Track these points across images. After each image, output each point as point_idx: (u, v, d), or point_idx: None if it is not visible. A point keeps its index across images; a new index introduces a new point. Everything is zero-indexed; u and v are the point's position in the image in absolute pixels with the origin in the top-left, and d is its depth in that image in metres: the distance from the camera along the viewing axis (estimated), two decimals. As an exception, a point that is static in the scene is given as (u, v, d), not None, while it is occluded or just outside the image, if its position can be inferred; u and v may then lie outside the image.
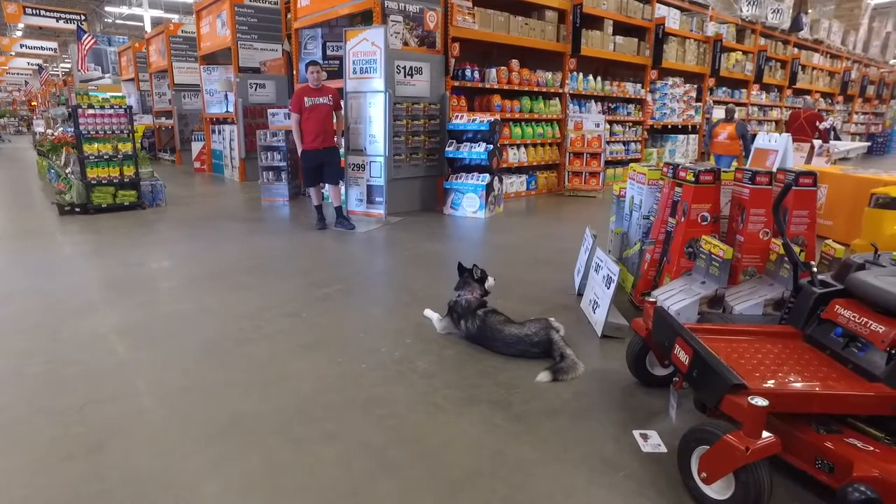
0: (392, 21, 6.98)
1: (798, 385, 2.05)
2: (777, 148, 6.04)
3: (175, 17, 21.64)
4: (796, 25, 11.28)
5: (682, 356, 2.21)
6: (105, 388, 2.77)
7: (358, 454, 2.24)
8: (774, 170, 5.86)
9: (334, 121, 6.24)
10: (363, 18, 7.61)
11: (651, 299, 2.66)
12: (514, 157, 8.81)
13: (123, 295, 4.16)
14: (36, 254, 5.33)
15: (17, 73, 35.37)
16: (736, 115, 8.77)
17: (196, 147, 12.53)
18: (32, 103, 32.20)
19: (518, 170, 9.12)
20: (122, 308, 3.88)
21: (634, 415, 2.53)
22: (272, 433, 2.38)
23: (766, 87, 14.99)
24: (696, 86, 12.12)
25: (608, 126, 10.28)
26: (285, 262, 5.15)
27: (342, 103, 6.52)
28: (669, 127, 11.85)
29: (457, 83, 7.79)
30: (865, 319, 2.18)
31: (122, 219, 7.03)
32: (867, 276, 2.30)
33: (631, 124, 10.87)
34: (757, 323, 3.14)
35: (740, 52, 13.35)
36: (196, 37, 12.03)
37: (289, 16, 9.29)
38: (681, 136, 11.79)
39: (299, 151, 6.24)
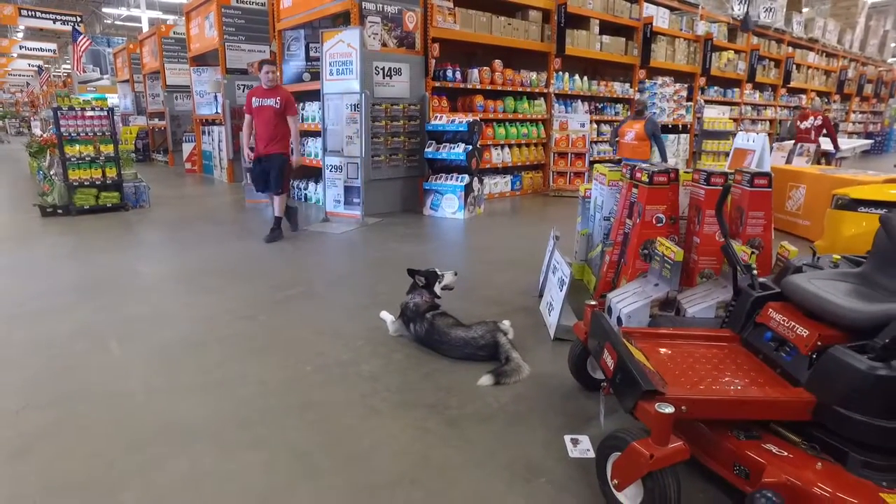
0: (370, 22, 6.97)
1: (716, 391, 2.03)
2: (755, 148, 5.99)
3: (171, 18, 21.69)
4: (745, 25, 11.19)
5: (609, 361, 2.19)
6: (45, 392, 2.77)
7: (284, 459, 2.23)
8: (752, 169, 5.83)
9: (291, 126, 5.84)
10: (345, 20, 7.61)
11: (591, 302, 2.64)
12: (497, 157, 8.79)
13: (87, 298, 4.16)
14: (8, 257, 5.35)
15: (20, 75, 35.55)
16: (648, 111, 7.58)
17: (187, 148, 12.56)
18: (34, 105, 32.39)
19: (503, 170, 9.11)
20: (83, 311, 3.88)
21: (570, 419, 2.51)
22: (203, 438, 2.38)
23: (759, 87, 14.90)
24: (686, 85, 12.05)
25: (595, 126, 10.26)
26: (255, 264, 5.14)
27: (300, 106, 6.39)
28: (660, 126, 11.78)
29: (438, 84, 7.78)
30: (793, 323, 2.16)
31: (103, 220, 7.05)
32: (800, 279, 2.28)
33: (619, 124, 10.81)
34: (709, 326, 3.12)
35: (732, 51, 13.27)
36: (186, 38, 12.07)
37: (274, 17, 9.29)
38: (671, 136, 11.71)
39: (243, 153, 6.10)
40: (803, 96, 16.75)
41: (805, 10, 17.31)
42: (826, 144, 9.59)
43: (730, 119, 12.37)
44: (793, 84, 15.76)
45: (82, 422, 2.51)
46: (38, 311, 3.89)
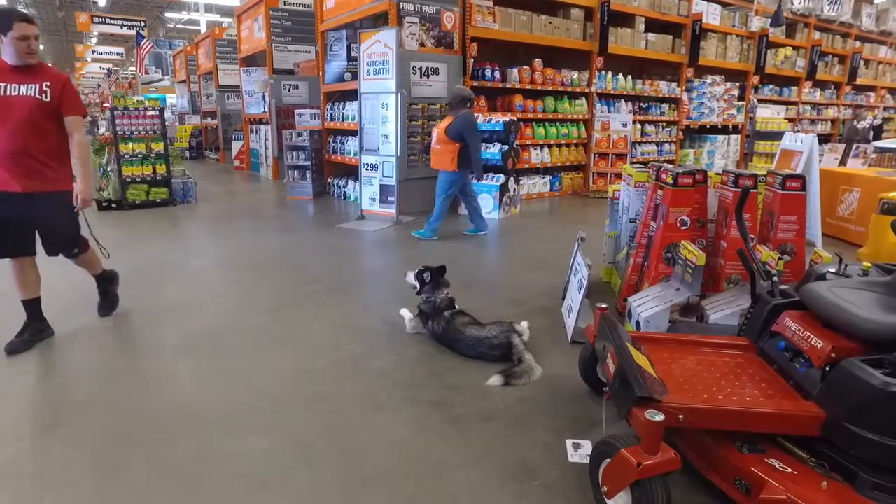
0: (408, 22, 7.04)
1: (718, 400, 1.95)
2: (803, 149, 5.68)
3: (228, 21, 22.57)
4: (777, 20, 10.57)
5: (611, 366, 2.14)
6: (81, 372, 2.96)
7: (285, 447, 2.30)
8: (799, 171, 5.52)
9: (75, 137, 3.16)
10: (384, 20, 7.71)
11: (602, 305, 2.59)
12: (537, 157, 8.71)
13: (129, 287, 4.36)
14: (65, 246, 5.72)
15: (92, 77, 37.93)
16: (470, 105, 5.64)
17: (236, 146, 13.06)
18: (104, 105, 34.47)
19: (543, 170, 9.01)
20: (123, 299, 4.06)
21: (575, 423, 2.47)
22: (212, 423, 2.48)
23: (820, 84, 14.09)
24: (738, 84, 11.55)
25: (639, 126, 9.99)
26: (288, 258, 5.30)
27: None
28: (708, 127, 11.37)
29: (476, 83, 7.77)
30: (808, 333, 2.05)
31: (151, 215, 7.43)
32: (820, 288, 2.16)
33: (665, 124, 10.50)
34: (730, 334, 3.00)
35: (790, 48, 12.61)
36: (237, 40, 12.54)
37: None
38: (721, 137, 11.28)
39: None
40: (872, 94, 15.74)
41: (878, 0, 16.22)
42: None
43: (785, 119, 11.77)
44: (859, 81, 14.83)
45: (106, 402, 2.67)
46: (85, 298, 4.13)
